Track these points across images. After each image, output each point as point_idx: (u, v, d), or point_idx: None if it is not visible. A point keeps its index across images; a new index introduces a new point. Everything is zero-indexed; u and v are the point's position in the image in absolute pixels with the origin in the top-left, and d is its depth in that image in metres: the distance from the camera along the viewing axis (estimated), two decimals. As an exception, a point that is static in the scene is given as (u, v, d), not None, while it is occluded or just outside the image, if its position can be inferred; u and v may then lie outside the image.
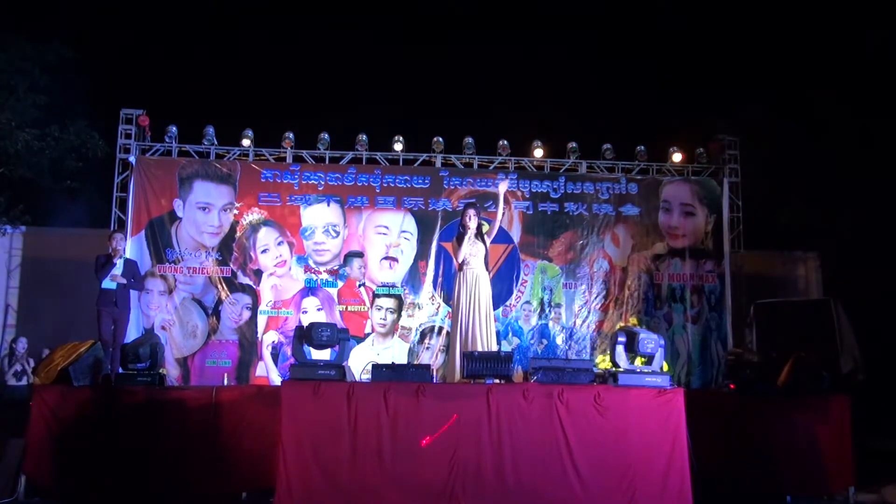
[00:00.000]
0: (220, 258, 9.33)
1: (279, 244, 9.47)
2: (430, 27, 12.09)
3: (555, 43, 12.04)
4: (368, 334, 9.38)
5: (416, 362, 8.86)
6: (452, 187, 9.75)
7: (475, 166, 9.92)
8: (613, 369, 5.77)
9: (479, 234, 6.49)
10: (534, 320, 9.59)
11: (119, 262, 7.33)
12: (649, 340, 5.70)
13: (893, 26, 9.56)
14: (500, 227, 9.51)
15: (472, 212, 6.50)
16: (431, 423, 5.27)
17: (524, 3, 12.41)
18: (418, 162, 9.85)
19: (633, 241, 9.85)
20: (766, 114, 10.83)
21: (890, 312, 9.08)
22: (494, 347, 6.42)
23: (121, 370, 6.41)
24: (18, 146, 8.74)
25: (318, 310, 9.36)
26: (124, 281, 7.36)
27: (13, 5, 9.17)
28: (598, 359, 9.08)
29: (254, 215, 9.46)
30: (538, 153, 9.89)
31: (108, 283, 7.28)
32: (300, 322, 8.97)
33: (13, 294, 9.69)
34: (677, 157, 10.10)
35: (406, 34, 11.86)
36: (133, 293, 8.37)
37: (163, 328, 9.06)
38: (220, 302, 9.24)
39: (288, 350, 8.77)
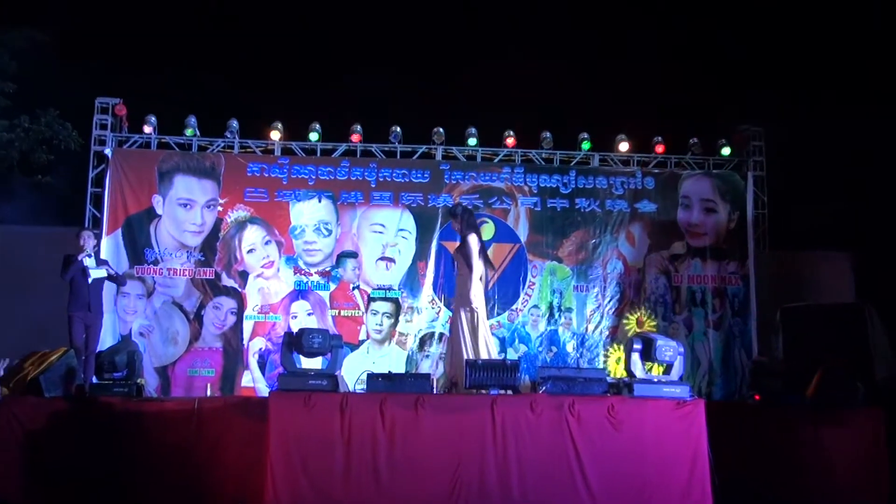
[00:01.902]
0: (203, 259, 9.33)
1: (266, 244, 9.47)
2: (430, 9, 12.08)
3: (564, 25, 12.02)
4: (363, 341, 9.38)
5: (414, 371, 8.86)
6: (454, 182, 9.75)
7: (479, 159, 9.92)
8: (628, 379, 5.76)
9: (463, 241, 6.75)
10: (542, 326, 9.58)
11: (89, 261, 7.32)
12: (667, 348, 5.69)
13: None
14: (506, 225, 9.67)
15: (451, 221, 7.00)
16: (431, 437, 5.27)
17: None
18: (417, 154, 9.85)
19: (650, 241, 9.84)
20: (793, 101, 10.82)
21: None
22: (484, 355, 6.43)
23: (95, 380, 6.41)
24: (-15, 137, 8.76)
25: (309, 314, 9.36)
26: (103, 273, 7.39)
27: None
28: (612, 354, 9.17)
29: (239, 212, 9.47)
30: (547, 144, 9.88)
31: (97, 272, 7.31)
32: (289, 328, 8.96)
33: (-21, 297, 9.69)
34: (698, 150, 10.08)
35: (404, 16, 11.85)
36: (110, 296, 8.39)
37: (141, 334, 9.06)
38: (202, 306, 9.24)
39: (276, 358, 8.76)
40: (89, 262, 7.37)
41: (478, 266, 6.55)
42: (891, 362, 8.29)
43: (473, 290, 6.53)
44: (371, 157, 9.77)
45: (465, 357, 6.28)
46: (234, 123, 9.59)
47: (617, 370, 8.98)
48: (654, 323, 9.60)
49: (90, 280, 7.34)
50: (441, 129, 9.80)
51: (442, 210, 7.61)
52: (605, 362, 9.43)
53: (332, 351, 5.85)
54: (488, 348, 6.59)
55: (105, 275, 7.46)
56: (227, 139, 9.62)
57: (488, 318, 9.30)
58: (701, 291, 9.79)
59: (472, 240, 6.63)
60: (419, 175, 9.72)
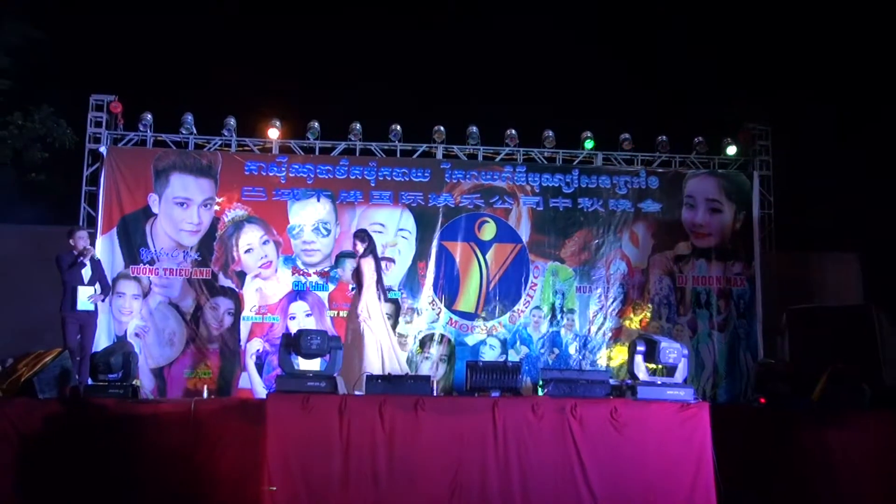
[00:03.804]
0: (200, 259, 9.34)
1: (264, 243, 9.48)
2: (431, 4, 12.10)
3: (567, 23, 12.03)
4: (362, 343, 9.38)
5: (414, 373, 8.86)
6: (455, 181, 9.75)
7: (480, 158, 9.92)
8: (632, 381, 5.77)
9: (359, 265, 7.70)
10: (544, 327, 9.59)
11: (85, 271, 7.34)
12: (671, 350, 5.71)
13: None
14: (508, 225, 9.68)
15: (356, 240, 7.84)
16: (431, 439, 5.28)
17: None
18: (417, 153, 9.86)
19: (654, 241, 9.84)
20: (800, 100, 10.83)
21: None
22: (376, 364, 7.23)
23: (90, 381, 6.42)
24: (-22, 135, 8.78)
25: (307, 315, 9.37)
26: (102, 298, 7.46)
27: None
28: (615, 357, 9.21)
29: (236, 211, 9.47)
30: (549, 143, 9.89)
31: (84, 305, 7.30)
32: (287, 329, 8.99)
33: (-29, 297, 9.70)
34: (703, 149, 10.08)
35: (404, 12, 11.86)
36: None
37: (136, 335, 9.06)
38: (199, 307, 9.24)
39: (274, 360, 8.77)
40: (84, 271, 7.39)
41: (368, 288, 7.55)
42: (899, 365, 8.29)
43: (360, 306, 7.49)
44: (370, 156, 9.78)
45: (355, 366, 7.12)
46: (232, 121, 9.59)
47: (620, 373, 8.99)
48: (657, 324, 9.61)
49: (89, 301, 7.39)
50: (442, 128, 9.82)
51: (358, 233, 8.01)
52: (607, 364, 9.44)
53: (331, 352, 5.86)
54: (382, 358, 7.34)
55: (102, 299, 7.60)
56: (224, 137, 9.62)
57: (489, 320, 9.50)
58: (706, 293, 9.80)
59: (367, 264, 7.64)
60: (419, 174, 9.73)
